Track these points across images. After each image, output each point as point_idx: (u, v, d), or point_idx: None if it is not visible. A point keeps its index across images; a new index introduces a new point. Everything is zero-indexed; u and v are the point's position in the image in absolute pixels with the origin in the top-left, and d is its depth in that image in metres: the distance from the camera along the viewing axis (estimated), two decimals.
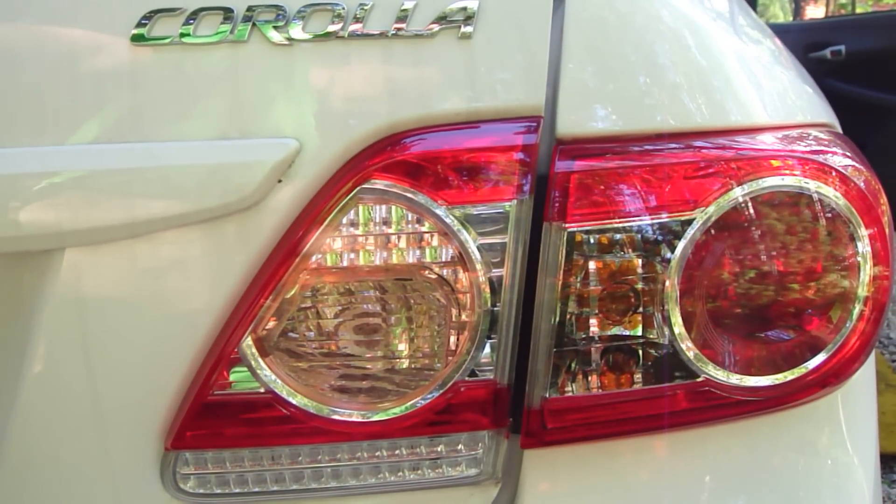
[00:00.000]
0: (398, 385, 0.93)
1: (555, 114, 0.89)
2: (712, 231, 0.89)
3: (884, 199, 0.95)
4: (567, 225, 0.88)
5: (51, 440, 0.93)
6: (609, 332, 0.91)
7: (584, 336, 0.91)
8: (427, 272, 0.90)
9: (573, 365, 0.91)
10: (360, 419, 0.92)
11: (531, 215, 0.89)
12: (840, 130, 1.04)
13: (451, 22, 0.86)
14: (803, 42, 4.34)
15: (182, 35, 0.85)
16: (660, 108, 0.89)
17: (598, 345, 0.91)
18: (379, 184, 0.88)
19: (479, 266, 0.89)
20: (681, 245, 0.88)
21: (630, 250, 0.89)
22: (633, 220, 0.88)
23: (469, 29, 0.87)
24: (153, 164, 0.86)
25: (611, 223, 0.88)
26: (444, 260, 0.90)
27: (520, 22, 0.88)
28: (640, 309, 0.90)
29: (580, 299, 0.90)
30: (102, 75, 0.86)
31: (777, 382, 0.93)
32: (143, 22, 0.85)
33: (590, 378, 0.92)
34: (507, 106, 0.88)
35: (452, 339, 0.91)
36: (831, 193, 0.91)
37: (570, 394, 0.92)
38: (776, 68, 1.05)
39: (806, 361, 0.94)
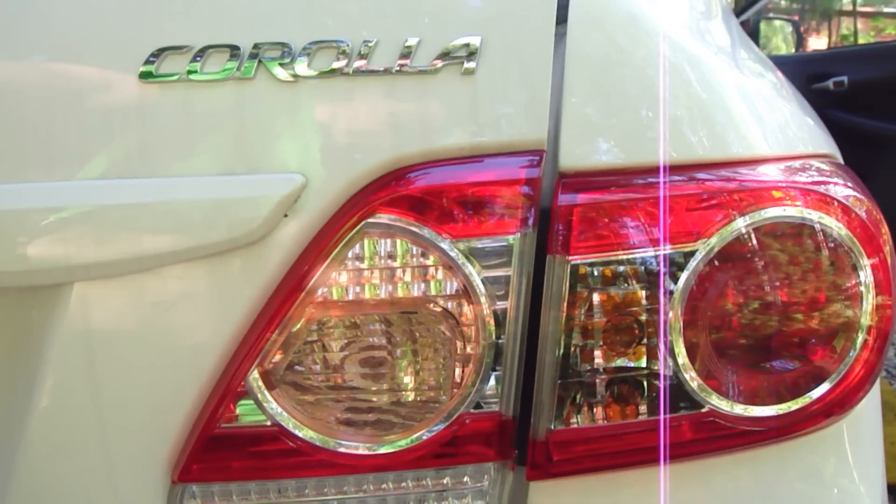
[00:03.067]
0: (404, 417, 0.93)
1: (557, 147, 0.89)
2: (715, 262, 0.89)
3: (885, 228, 0.96)
4: (570, 257, 0.88)
5: (59, 473, 0.93)
6: (613, 364, 0.91)
7: (588, 368, 0.91)
8: (432, 305, 0.90)
9: (578, 396, 0.91)
10: (366, 452, 0.92)
11: (535, 248, 0.90)
12: (841, 161, 1.04)
13: (455, 58, 0.87)
14: (806, 73, 4.36)
15: (189, 72, 0.86)
16: (662, 141, 0.90)
17: (602, 376, 0.91)
18: (384, 218, 0.88)
19: (483, 299, 0.89)
20: (684, 276, 0.89)
21: (633, 282, 0.89)
22: (636, 252, 0.89)
23: (472, 65, 0.88)
24: (161, 199, 0.87)
25: (614, 255, 0.89)
26: (448, 293, 0.90)
27: (522, 57, 0.89)
28: (644, 340, 0.90)
29: (584, 331, 0.90)
30: (111, 112, 0.87)
31: (781, 412, 0.93)
32: (150, 59, 0.86)
33: (595, 409, 0.92)
34: (510, 140, 0.89)
35: (457, 371, 0.92)
36: (833, 224, 0.91)
37: (576, 425, 0.92)
38: (777, 100, 1.06)
39: (810, 391, 0.94)
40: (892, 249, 0.95)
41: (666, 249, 0.89)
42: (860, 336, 0.93)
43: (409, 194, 0.88)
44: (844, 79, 4.11)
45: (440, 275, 0.90)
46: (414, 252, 0.89)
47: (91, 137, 0.87)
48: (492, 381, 0.91)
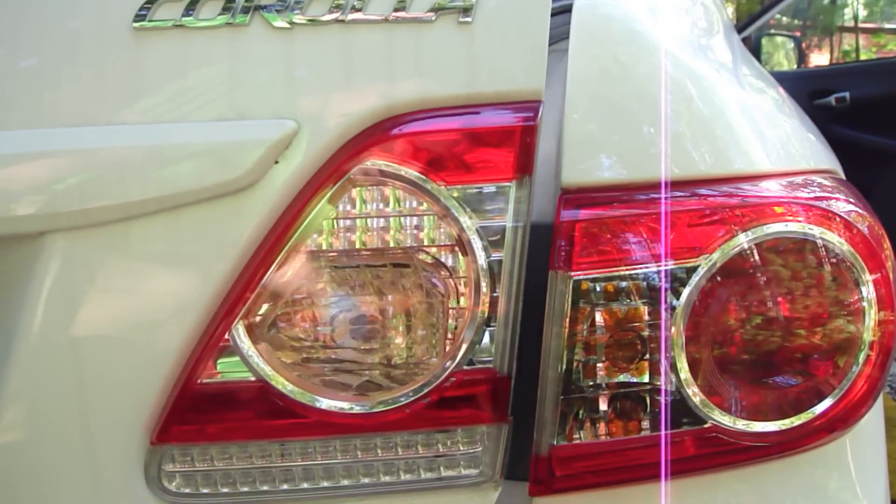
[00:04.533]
0: (393, 375, 0.91)
1: (560, 163, 0.90)
2: (717, 277, 0.89)
3: (887, 244, 0.96)
4: (573, 273, 0.88)
5: (34, 433, 0.91)
6: (616, 380, 0.90)
7: (590, 383, 0.90)
8: (424, 256, 0.90)
9: (581, 412, 0.91)
10: (354, 410, 0.90)
11: (531, 197, 0.89)
12: (843, 176, 1.04)
13: (450, 8, 0.87)
14: (808, 89, 4.36)
15: (184, 18, 0.85)
16: (663, 157, 0.90)
17: (605, 392, 0.91)
18: (377, 165, 0.87)
19: (477, 249, 0.88)
20: (686, 292, 0.89)
21: (636, 297, 0.89)
22: (639, 268, 0.89)
23: (468, 16, 0.87)
24: (148, 143, 0.85)
25: (616, 271, 0.89)
26: (442, 243, 0.89)
27: (518, 7, 0.88)
28: (647, 356, 0.90)
29: (587, 347, 0.90)
30: (103, 57, 0.86)
31: (784, 428, 0.93)
32: (145, 6, 0.85)
33: (597, 425, 0.92)
34: (507, 90, 0.88)
35: (450, 325, 0.91)
36: (835, 239, 0.91)
37: (578, 441, 0.92)
38: (779, 116, 1.06)
39: (812, 406, 0.93)
40: (894, 265, 0.95)
41: (668, 265, 0.89)
42: (863, 351, 0.93)
43: (403, 141, 0.87)
44: (846, 94, 4.12)
45: (433, 224, 0.89)
46: (407, 200, 0.88)
47: (82, 83, 0.86)
48: (486, 337, 0.90)
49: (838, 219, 0.92)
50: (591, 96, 0.91)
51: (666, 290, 0.89)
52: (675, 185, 0.90)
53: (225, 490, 0.93)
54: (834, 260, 0.91)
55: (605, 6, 1.00)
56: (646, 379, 0.90)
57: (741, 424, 0.92)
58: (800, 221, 0.91)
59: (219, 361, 0.89)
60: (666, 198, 0.89)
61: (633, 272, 0.89)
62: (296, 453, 0.92)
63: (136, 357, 0.89)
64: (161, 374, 0.89)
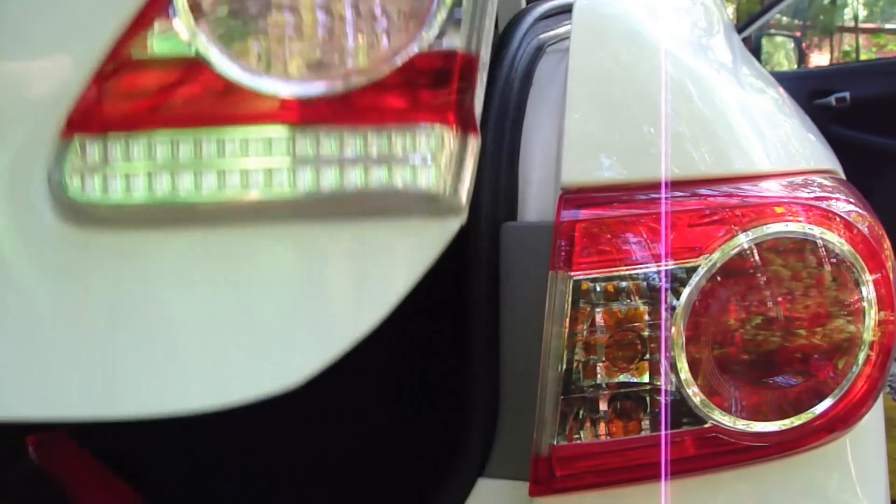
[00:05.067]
0: (343, 52, 0.81)
1: (560, 163, 0.90)
2: (717, 277, 0.89)
3: (887, 244, 0.96)
4: (573, 273, 0.88)
5: None
6: (616, 380, 0.90)
7: (591, 383, 0.90)
8: None
9: (581, 412, 0.91)
10: (300, 94, 0.80)
11: None
12: (843, 176, 1.04)
13: None
14: (808, 89, 4.37)
15: None
16: (664, 157, 0.90)
17: (604, 392, 0.91)
18: None
19: None
20: (686, 292, 0.89)
21: (636, 297, 0.89)
22: (639, 268, 0.89)
23: None
24: None
25: (616, 271, 0.89)
26: None
27: None
28: (647, 356, 0.90)
29: (587, 347, 0.90)
30: None
31: (784, 428, 0.93)
32: None
33: (597, 425, 0.91)
34: None
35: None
36: (835, 239, 0.91)
37: (578, 441, 0.91)
38: (779, 116, 1.06)
39: (813, 407, 0.93)
40: (894, 265, 0.95)
41: (668, 265, 0.89)
42: (863, 352, 0.93)
43: None
44: (846, 95, 4.12)
45: None
46: None
47: None
48: (455, 13, 0.81)
49: (838, 219, 0.92)
50: (592, 96, 0.91)
51: (666, 290, 0.89)
52: (675, 185, 0.90)
53: (138, 193, 0.80)
54: (834, 260, 0.91)
55: (605, 6, 1.00)
56: (646, 379, 0.90)
57: (741, 424, 0.92)
58: (800, 221, 0.91)
59: (155, 35, 0.79)
60: (666, 198, 0.89)
61: (633, 272, 0.89)
62: (228, 151, 0.81)
63: (68, 33, 0.80)
64: (91, 55, 0.78)
